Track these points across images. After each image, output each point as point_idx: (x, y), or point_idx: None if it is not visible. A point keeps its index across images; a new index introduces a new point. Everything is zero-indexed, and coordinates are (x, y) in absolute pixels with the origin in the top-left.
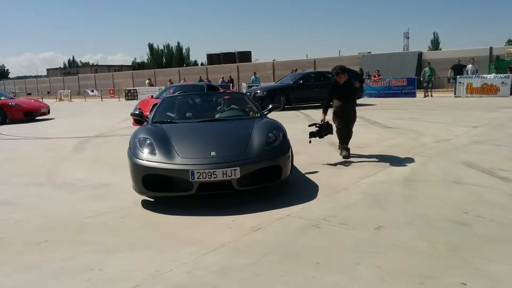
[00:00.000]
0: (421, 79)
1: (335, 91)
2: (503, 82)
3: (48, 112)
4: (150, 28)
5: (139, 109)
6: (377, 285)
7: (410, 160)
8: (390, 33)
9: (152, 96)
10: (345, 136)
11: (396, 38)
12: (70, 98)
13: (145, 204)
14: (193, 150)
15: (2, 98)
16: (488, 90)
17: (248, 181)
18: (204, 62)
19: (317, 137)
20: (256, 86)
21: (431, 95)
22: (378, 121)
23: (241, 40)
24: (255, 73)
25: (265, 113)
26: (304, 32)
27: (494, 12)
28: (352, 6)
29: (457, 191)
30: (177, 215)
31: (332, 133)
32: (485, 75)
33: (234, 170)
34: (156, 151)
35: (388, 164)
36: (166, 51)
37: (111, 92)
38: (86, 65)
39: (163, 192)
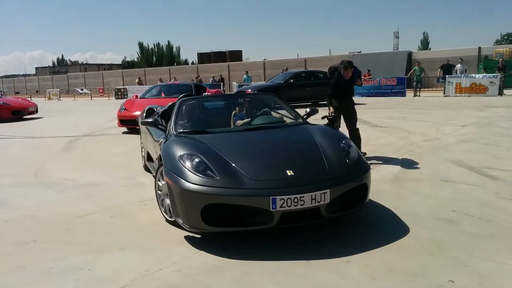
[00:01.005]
0: (409, 77)
1: (338, 86)
2: (491, 82)
3: (36, 111)
4: (140, 27)
5: (125, 108)
6: (367, 283)
7: (399, 158)
8: (380, 33)
9: (136, 96)
10: (357, 141)
11: (386, 38)
12: (59, 97)
13: (135, 204)
14: (262, 169)
15: None
16: (477, 89)
17: (335, 206)
18: (194, 61)
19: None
20: (247, 85)
21: (419, 95)
22: (368, 120)
23: (232, 39)
24: (247, 72)
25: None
26: (295, 32)
27: (483, 13)
28: (343, 6)
29: (445, 189)
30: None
31: (340, 126)
32: (473, 75)
33: (324, 193)
34: (215, 172)
35: (378, 162)
36: (156, 50)
37: (101, 91)
38: (75, 63)
39: (233, 227)
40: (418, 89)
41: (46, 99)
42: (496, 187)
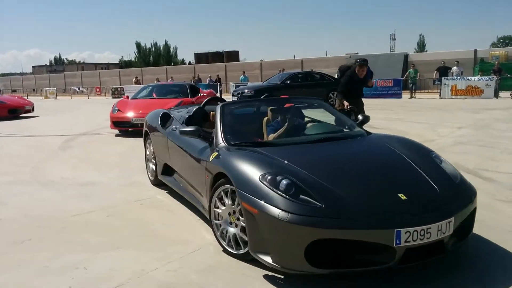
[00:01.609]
0: (405, 79)
1: (350, 85)
2: (487, 84)
3: (33, 110)
4: (138, 26)
5: (118, 109)
6: (358, 280)
7: None
8: (377, 34)
9: (127, 97)
10: None
11: (383, 39)
12: (56, 95)
13: (131, 203)
14: (372, 193)
15: None
16: (473, 91)
17: (454, 236)
18: (191, 61)
19: None
20: (244, 85)
21: (415, 96)
22: None
23: (229, 40)
24: (244, 72)
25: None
26: (292, 33)
27: (479, 16)
28: (340, 7)
29: None
30: (163, 214)
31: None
32: (469, 77)
33: (448, 222)
34: (316, 198)
35: None
36: (153, 49)
37: (98, 90)
38: (72, 62)
39: (346, 268)
40: (413, 91)
41: (43, 97)
42: (491, 189)
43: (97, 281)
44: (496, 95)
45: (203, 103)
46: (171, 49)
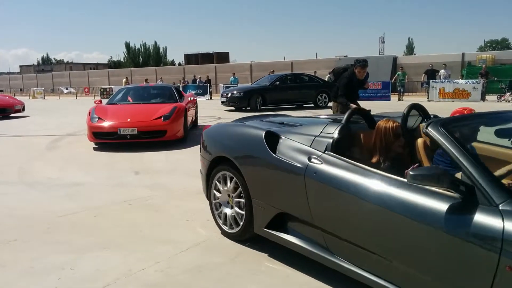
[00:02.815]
0: (393, 81)
1: (349, 86)
2: (474, 87)
3: (23, 110)
4: (127, 27)
5: (98, 117)
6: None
7: None
8: (366, 37)
9: (101, 101)
10: None
11: (372, 42)
12: (44, 95)
13: (118, 204)
14: None
15: None
16: (460, 94)
17: None
18: (181, 62)
19: None
20: (234, 87)
21: (403, 99)
22: None
23: (219, 41)
24: (234, 74)
25: None
26: (282, 35)
27: (467, 20)
28: (330, 10)
29: None
30: (151, 214)
31: None
32: (457, 80)
33: None
34: None
35: None
36: (143, 50)
37: (86, 90)
38: (60, 62)
39: None
40: (402, 94)
41: (30, 97)
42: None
43: (84, 282)
44: (483, 98)
45: (345, 118)
46: (161, 50)
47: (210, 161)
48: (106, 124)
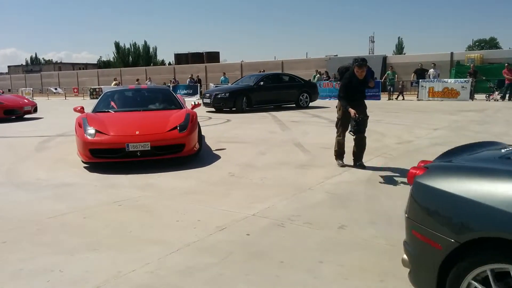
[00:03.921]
0: (383, 81)
1: (349, 87)
2: (463, 87)
3: (35, 111)
4: (117, 26)
5: (96, 130)
6: (339, 282)
7: (373, 160)
8: (356, 37)
9: (83, 108)
10: (358, 150)
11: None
12: (32, 96)
13: (108, 205)
14: None
15: None
16: (449, 94)
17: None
18: (171, 62)
19: (361, 133)
20: (215, 87)
21: (397, 98)
22: None
23: (210, 41)
24: (224, 73)
25: None
26: (272, 34)
27: (456, 19)
28: (320, 9)
29: None
30: (141, 215)
31: (366, 126)
32: (446, 80)
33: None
34: None
35: (352, 164)
36: (133, 50)
37: (75, 90)
38: (49, 62)
39: None
40: (391, 93)
41: None
42: None
43: (73, 284)
44: (471, 97)
45: None
46: (151, 50)
47: (454, 246)
48: (108, 138)
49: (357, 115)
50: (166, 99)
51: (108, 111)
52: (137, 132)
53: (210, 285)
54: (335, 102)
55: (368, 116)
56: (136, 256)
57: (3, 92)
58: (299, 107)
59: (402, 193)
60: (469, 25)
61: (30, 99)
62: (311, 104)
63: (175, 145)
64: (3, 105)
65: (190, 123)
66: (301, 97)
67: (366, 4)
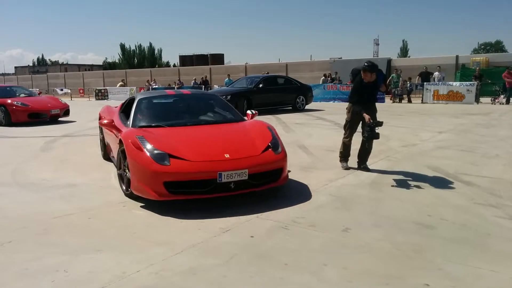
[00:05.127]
0: (388, 84)
1: (360, 90)
2: (468, 90)
3: (65, 114)
4: (122, 28)
5: (168, 154)
6: (343, 285)
7: (378, 163)
8: (361, 39)
9: (111, 122)
10: (363, 153)
11: (367, 44)
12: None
13: (113, 205)
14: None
15: (22, 95)
16: (454, 97)
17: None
18: (176, 64)
19: (375, 139)
20: (214, 89)
21: (398, 101)
22: None
23: (214, 43)
24: (229, 75)
25: None
26: (276, 37)
27: (461, 22)
28: (324, 12)
29: (422, 194)
30: (145, 216)
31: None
32: (451, 83)
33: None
34: None
35: (356, 167)
36: (138, 51)
37: (81, 91)
38: (55, 63)
39: None
40: (396, 96)
41: None
42: (471, 193)
43: (78, 284)
44: (477, 100)
45: None
46: (156, 51)
47: None
48: (191, 165)
49: (371, 121)
50: (220, 107)
51: (159, 126)
52: (227, 156)
53: (214, 286)
54: (339, 105)
55: (382, 122)
56: (141, 257)
57: (40, 93)
58: (295, 110)
59: (407, 196)
60: (474, 28)
61: (62, 101)
62: (313, 106)
63: (272, 171)
64: (28, 108)
65: (279, 139)
66: (297, 100)
67: (371, 6)
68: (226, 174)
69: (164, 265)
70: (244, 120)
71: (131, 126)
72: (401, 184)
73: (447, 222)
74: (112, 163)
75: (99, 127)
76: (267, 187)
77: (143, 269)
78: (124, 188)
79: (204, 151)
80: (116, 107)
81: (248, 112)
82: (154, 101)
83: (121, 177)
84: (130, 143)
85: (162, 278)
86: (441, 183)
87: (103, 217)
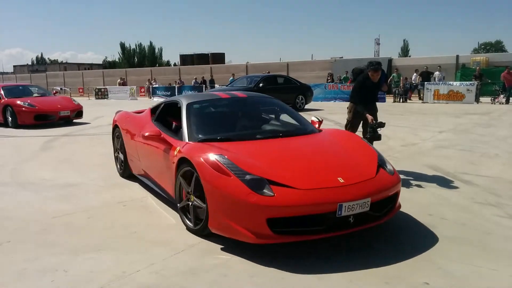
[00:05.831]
0: (388, 83)
1: (363, 90)
2: (468, 89)
3: (77, 116)
4: (122, 27)
5: (269, 181)
6: (344, 285)
7: None
8: (362, 39)
9: (159, 133)
10: None
11: (368, 44)
12: None
13: (113, 205)
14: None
15: (35, 94)
16: (454, 96)
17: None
18: (177, 63)
19: (377, 139)
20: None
21: (403, 100)
22: None
23: (215, 42)
24: (233, 74)
25: None
26: (277, 36)
27: (462, 22)
28: (325, 12)
29: (422, 194)
30: (146, 215)
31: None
32: (451, 82)
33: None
34: None
35: None
36: (138, 50)
37: (81, 90)
38: (55, 62)
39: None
40: (396, 95)
41: None
42: (471, 192)
43: (77, 284)
44: (477, 100)
45: None
46: (156, 50)
47: None
48: (302, 196)
49: (374, 121)
50: (286, 113)
51: (227, 139)
52: (341, 180)
53: (214, 286)
54: (340, 104)
55: (384, 123)
56: (141, 257)
57: (55, 93)
58: (295, 109)
59: (407, 195)
60: (474, 28)
61: (76, 102)
62: (313, 106)
63: (391, 198)
64: (34, 109)
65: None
66: (297, 99)
67: (372, 6)
68: (347, 206)
69: (165, 265)
70: (319, 129)
71: (188, 140)
72: (401, 183)
73: (447, 221)
74: (139, 183)
75: (112, 137)
76: (387, 218)
77: (143, 268)
78: (191, 223)
79: (311, 174)
80: (137, 112)
81: (313, 119)
82: (209, 107)
83: (184, 210)
84: (205, 165)
85: (162, 278)
86: (441, 182)
87: (103, 217)
